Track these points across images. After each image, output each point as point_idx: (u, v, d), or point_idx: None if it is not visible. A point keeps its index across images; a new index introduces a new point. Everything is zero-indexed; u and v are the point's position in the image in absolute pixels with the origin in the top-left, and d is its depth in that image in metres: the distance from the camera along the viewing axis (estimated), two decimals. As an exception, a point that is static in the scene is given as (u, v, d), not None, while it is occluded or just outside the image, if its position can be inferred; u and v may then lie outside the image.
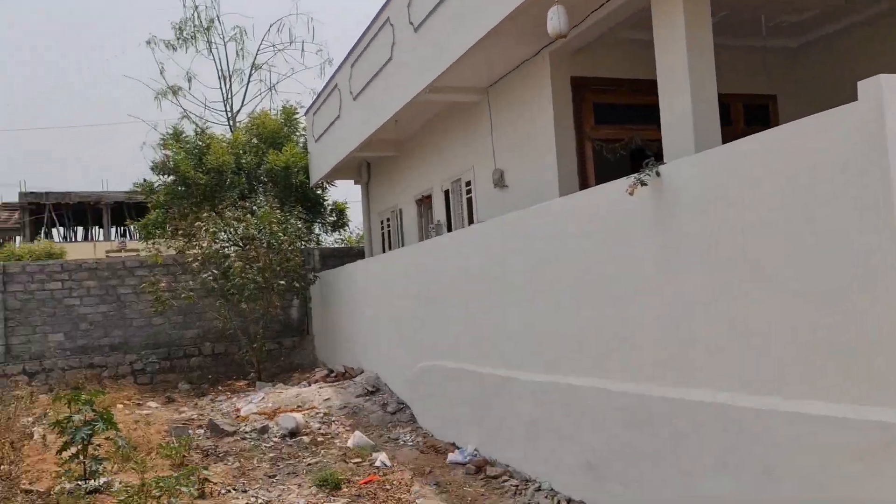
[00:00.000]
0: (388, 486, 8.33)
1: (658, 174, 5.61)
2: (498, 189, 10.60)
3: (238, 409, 13.28)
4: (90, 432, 8.48)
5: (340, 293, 15.91)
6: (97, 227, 46.99)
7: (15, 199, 42.91)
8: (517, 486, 7.67)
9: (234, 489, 8.80)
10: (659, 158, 6.25)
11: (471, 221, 11.90)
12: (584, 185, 9.17)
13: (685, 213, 5.38)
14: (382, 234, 17.33)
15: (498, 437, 8.57)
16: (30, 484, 8.58)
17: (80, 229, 48.00)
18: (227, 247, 15.91)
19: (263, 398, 13.75)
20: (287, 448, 10.71)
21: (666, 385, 5.59)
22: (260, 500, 8.27)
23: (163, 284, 15.62)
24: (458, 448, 9.37)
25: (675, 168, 5.58)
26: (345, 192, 37.91)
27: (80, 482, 8.43)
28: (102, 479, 8.71)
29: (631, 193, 5.75)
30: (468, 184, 12.01)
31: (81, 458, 8.54)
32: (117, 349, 17.72)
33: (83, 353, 17.46)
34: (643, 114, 8.99)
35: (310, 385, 14.50)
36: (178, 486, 7.67)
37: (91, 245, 42.38)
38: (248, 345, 16.42)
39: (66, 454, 8.51)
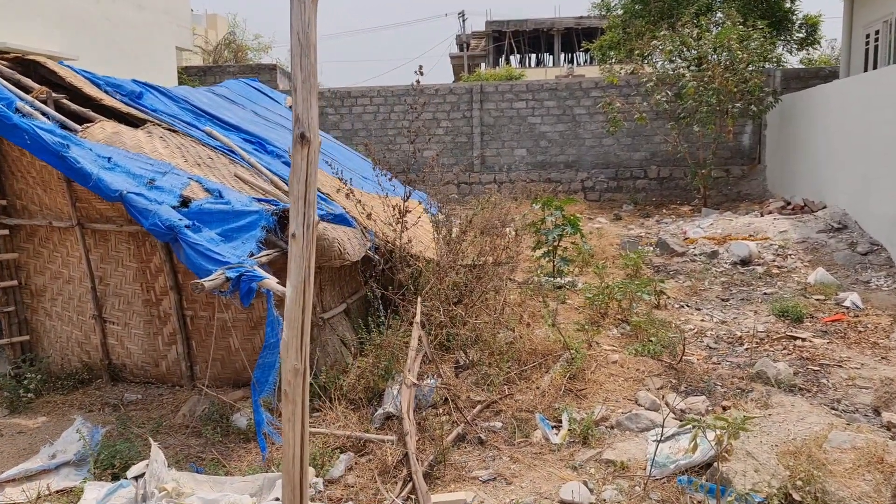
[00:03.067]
0: (861, 329, 7.57)
1: None
2: None
3: (685, 232, 13.26)
4: (560, 235, 9.36)
5: (806, 119, 14.25)
6: (547, 54, 49.34)
7: (482, 27, 47.37)
8: None
9: (687, 306, 8.94)
10: None
11: None
12: None
13: None
14: (867, 50, 14.74)
15: None
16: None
17: (532, 56, 51.00)
18: (683, 67, 15.27)
19: (711, 224, 13.48)
20: (739, 275, 10.41)
21: None
22: (715, 320, 8.25)
23: (618, 104, 15.85)
24: (954, 301, 7.99)
25: None
26: (818, 4, 32.45)
27: (549, 277, 9.48)
28: (567, 279, 9.63)
29: None
30: None
31: (551, 256, 9.57)
32: (570, 167, 18.95)
33: (541, 168, 19.12)
34: None
35: (762, 216, 13.70)
36: (638, 292, 8.10)
37: (542, 70, 44.96)
38: (696, 170, 16.01)
39: (538, 252, 9.68)
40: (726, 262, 11.12)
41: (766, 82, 16.21)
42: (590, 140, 18.86)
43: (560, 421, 4.94)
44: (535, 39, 47.48)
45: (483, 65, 47.79)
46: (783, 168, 15.99)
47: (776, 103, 15.36)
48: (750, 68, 14.42)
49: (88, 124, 5.36)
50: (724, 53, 14.23)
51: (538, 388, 5.46)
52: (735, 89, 14.37)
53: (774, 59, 16.95)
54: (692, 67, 15.31)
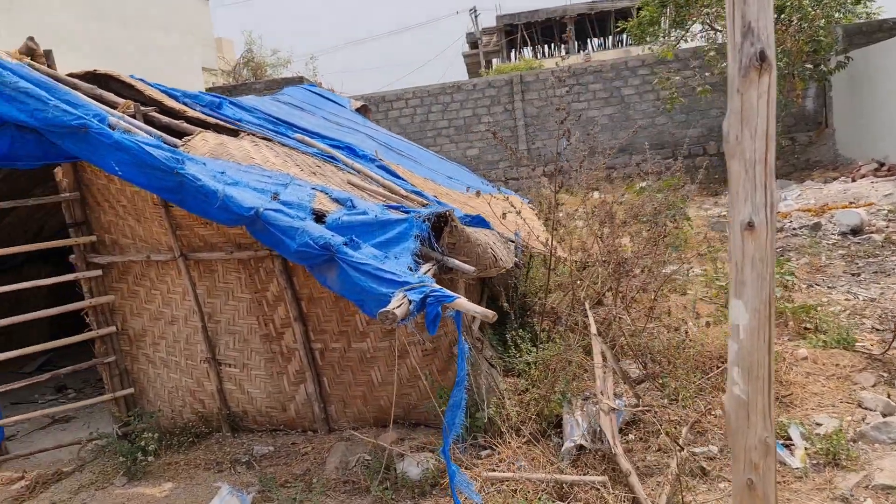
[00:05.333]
0: None
1: None
2: None
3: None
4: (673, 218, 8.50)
5: (885, 73, 13.27)
6: (561, 44, 48.19)
7: (493, 23, 46.51)
8: None
9: (816, 284, 8.07)
10: None
11: None
12: None
13: None
14: (942, -6, 13.74)
15: None
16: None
17: (545, 48, 49.99)
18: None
19: (800, 195, 12.57)
20: (855, 246, 9.50)
21: None
22: (861, 298, 7.37)
23: (677, 79, 14.95)
24: None
25: None
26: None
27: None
28: (670, 267, 8.77)
29: None
30: None
31: (659, 243, 8.71)
32: (623, 150, 18.01)
33: (592, 155, 18.22)
34: None
35: (853, 181, 12.77)
36: (777, 276, 7.25)
37: (558, 60, 43.86)
38: (765, 140, 15.05)
39: (638, 239, 8.81)
40: (834, 234, 10.22)
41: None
42: (641, 120, 17.93)
43: (787, 437, 4.10)
44: (547, 29, 46.55)
45: (496, 60, 46.94)
46: (858, 130, 15.01)
47: (848, 61, 14.37)
48: (823, 24, 13.46)
49: (188, 137, 4.62)
50: (795, 11, 13.28)
51: (733, 397, 4.63)
52: (806, 49, 13.44)
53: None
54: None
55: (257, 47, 28.61)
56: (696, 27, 17.74)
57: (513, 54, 46.34)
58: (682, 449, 3.96)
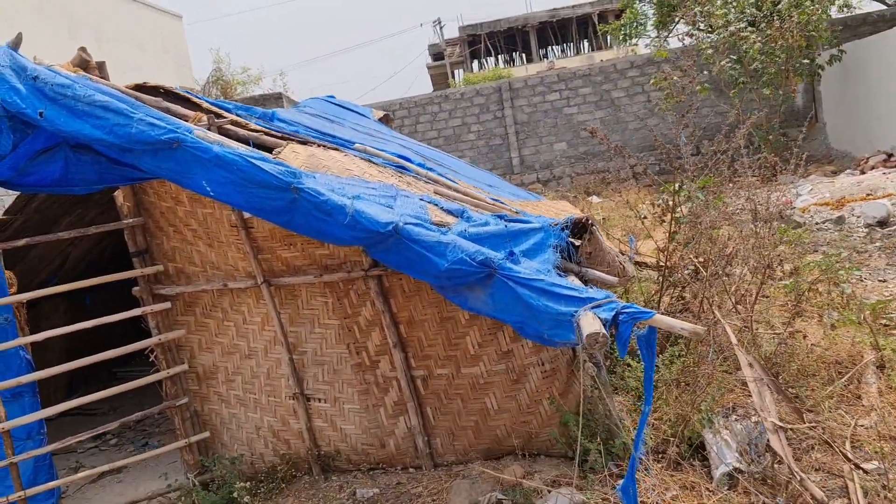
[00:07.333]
0: None
1: None
2: None
3: (788, 202, 12.22)
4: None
5: (887, 65, 13.32)
6: (523, 53, 48.29)
7: (456, 34, 46.43)
8: None
9: (865, 278, 7.89)
10: None
11: None
12: None
13: None
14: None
15: None
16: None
17: (506, 56, 50.02)
18: (742, 29, 14.29)
19: (811, 189, 12.50)
20: (887, 238, 9.39)
21: None
22: (925, 290, 7.19)
23: (675, 78, 14.81)
24: None
25: None
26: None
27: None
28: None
29: None
30: None
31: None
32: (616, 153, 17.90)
33: (585, 160, 18.06)
34: None
35: (862, 172, 12.76)
36: (841, 272, 7.02)
37: (523, 68, 43.96)
38: (763, 137, 15.03)
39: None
40: (860, 227, 10.11)
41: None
42: (633, 123, 17.84)
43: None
44: (509, 38, 46.68)
45: (460, 71, 46.84)
46: (851, 123, 15.09)
47: (842, 55, 14.43)
48: (818, 18, 13.49)
49: (277, 150, 4.15)
50: (794, 8, 13.29)
51: (870, 406, 4.32)
52: (804, 45, 13.46)
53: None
54: (748, 28, 14.37)
55: (225, 65, 27.89)
56: (680, 27, 17.76)
57: (475, 65, 46.36)
58: (858, 466, 3.62)
